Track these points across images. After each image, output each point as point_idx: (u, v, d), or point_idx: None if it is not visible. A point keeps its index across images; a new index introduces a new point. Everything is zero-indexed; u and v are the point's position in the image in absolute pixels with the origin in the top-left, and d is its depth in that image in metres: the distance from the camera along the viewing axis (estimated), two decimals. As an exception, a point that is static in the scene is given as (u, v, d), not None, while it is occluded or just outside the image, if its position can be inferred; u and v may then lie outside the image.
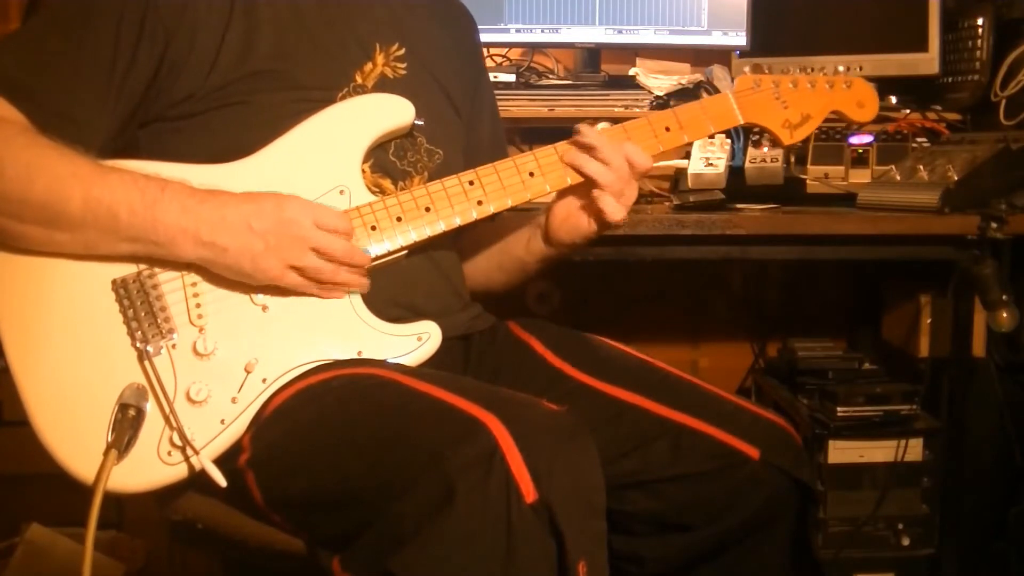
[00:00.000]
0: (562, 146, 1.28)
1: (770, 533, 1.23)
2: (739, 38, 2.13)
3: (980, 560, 1.97)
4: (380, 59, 1.29)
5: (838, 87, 1.40)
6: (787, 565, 1.26)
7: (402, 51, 1.31)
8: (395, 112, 1.25)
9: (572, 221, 1.32)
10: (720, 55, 2.20)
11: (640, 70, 2.06)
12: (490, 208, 1.24)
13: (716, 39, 2.13)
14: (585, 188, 1.28)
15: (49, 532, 1.99)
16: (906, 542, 1.95)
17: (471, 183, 1.24)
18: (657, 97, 2.01)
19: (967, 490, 1.92)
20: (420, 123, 1.29)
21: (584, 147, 1.26)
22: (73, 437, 1.10)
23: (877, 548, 1.95)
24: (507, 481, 0.94)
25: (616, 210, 1.27)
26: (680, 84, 2.02)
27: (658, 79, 2.04)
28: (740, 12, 2.12)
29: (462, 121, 1.41)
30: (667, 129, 1.32)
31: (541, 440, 0.97)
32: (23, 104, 1.13)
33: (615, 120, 1.91)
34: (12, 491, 2.02)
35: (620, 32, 2.12)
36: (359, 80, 1.27)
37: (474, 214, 1.24)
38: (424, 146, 1.31)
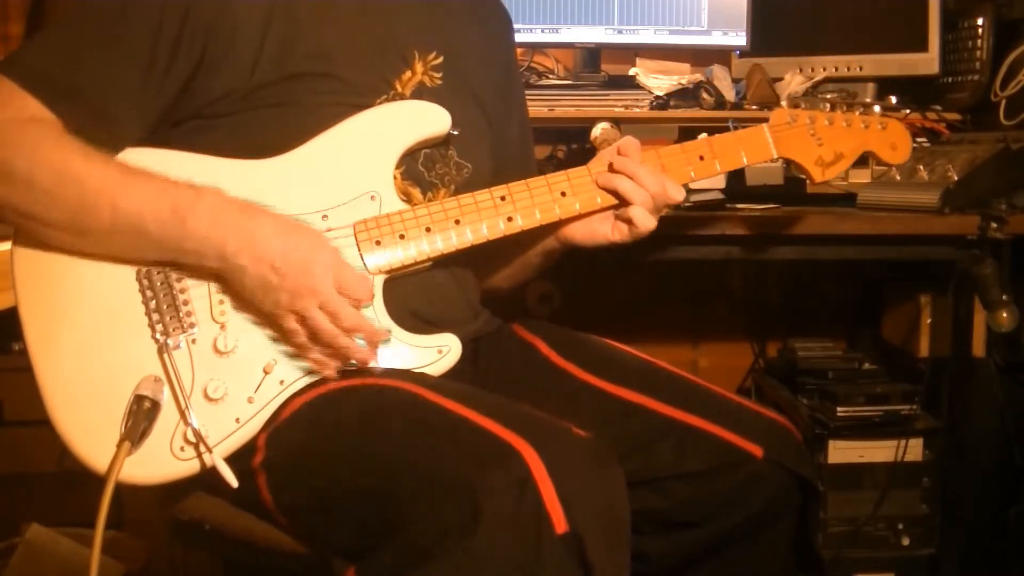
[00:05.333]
0: (596, 167, 1.29)
1: (773, 530, 1.23)
2: (739, 38, 2.13)
3: (980, 560, 1.97)
4: (419, 68, 1.28)
5: (873, 128, 1.40)
6: (790, 561, 1.27)
7: (439, 60, 1.29)
8: (432, 120, 1.25)
9: (592, 225, 1.31)
10: (720, 55, 2.20)
11: (640, 70, 2.05)
12: (519, 224, 1.24)
13: (716, 39, 2.13)
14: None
15: (49, 532, 1.99)
16: (906, 542, 1.95)
17: (503, 198, 1.24)
18: (657, 97, 2.00)
19: (967, 490, 1.92)
20: (455, 133, 1.28)
21: (625, 173, 1.26)
22: (87, 425, 1.10)
23: (877, 548, 1.95)
24: (538, 510, 0.93)
25: (648, 220, 1.27)
26: (680, 84, 2.01)
27: (658, 79, 2.04)
28: (740, 12, 2.12)
29: (493, 130, 1.39)
30: (701, 158, 1.32)
31: (573, 470, 0.97)
32: (59, 105, 1.11)
33: (615, 120, 1.92)
34: (12, 491, 2.02)
35: (620, 32, 2.11)
36: (398, 88, 1.26)
37: (502, 228, 1.23)
38: (454, 159, 1.30)
